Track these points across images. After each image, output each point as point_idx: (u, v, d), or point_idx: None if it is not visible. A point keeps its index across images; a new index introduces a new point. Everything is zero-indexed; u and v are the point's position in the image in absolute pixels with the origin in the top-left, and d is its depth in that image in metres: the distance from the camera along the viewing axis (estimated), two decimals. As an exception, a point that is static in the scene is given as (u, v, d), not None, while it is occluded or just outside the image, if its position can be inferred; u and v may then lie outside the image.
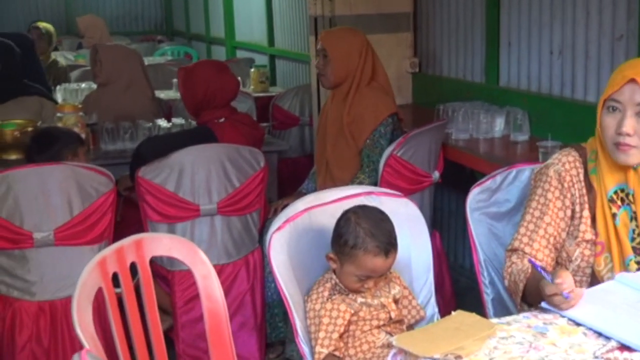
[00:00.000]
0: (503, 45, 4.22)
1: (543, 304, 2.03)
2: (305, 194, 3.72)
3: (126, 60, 4.76)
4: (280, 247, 2.33)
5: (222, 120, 3.69)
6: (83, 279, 1.91)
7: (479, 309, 2.48)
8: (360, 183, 3.48)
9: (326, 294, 2.29)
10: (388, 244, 2.24)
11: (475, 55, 4.49)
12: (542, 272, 1.99)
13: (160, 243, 2.18)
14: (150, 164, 3.41)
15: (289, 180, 5.60)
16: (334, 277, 2.31)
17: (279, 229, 2.35)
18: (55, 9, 12.63)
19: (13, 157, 4.13)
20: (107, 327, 2.00)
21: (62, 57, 9.45)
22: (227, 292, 3.63)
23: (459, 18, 4.63)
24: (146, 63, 8.18)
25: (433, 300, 2.51)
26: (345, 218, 2.28)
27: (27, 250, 3.21)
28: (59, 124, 4.11)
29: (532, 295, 2.17)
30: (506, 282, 2.31)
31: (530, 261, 2.17)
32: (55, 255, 3.24)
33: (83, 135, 4.14)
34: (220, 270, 3.61)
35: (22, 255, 3.22)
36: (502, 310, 2.50)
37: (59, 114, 4.15)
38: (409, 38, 5.01)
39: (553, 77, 3.87)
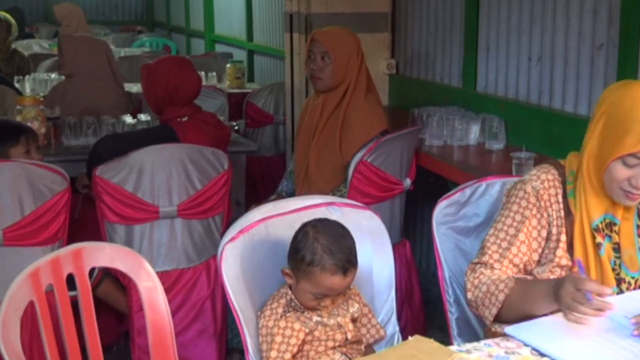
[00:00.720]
0: (481, 50, 4.10)
1: (508, 329, 1.91)
2: (284, 197, 3.59)
3: (90, 52, 4.61)
4: (233, 259, 2.20)
5: (184, 119, 3.54)
6: (11, 292, 1.77)
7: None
8: (342, 197, 3.33)
9: (280, 310, 2.16)
10: (347, 262, 2.11)
11: (453, 59, 4.37)
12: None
13: (102, 253, 2.03)
14: (108, 162, 3.26)
15: (261, 179, 5.48)
16: (289, 292, 2.17)
17: (232, 239, 2.21)
18: (33, -5, 12.46)
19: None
20: (40, 345, 1.85)
21: (37, 46, 9.29)
22: (186, 298, 3.52)
23: (438, 20, 4.50)
24: (122, 54, 8.11)
25: (394, 318, 2.38)
26: (303, 232, 2.15)
27: (-25, 250, 3.06)
28: (19, 117, 3.96)
29: (512, 309, 2.05)
30: (470, 295, 2.16)
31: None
32: (5, 256, 3.09)
33: (43, 130, 3.99)
34: (179, 274, 3.49)
35: (-31, 255, 3.07)
36: (468, 331, 2.38)
37: (18, 107, 3.99)
38: (387, 39, 4.88)
39: (531, 85, 3.75)
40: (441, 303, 2.46)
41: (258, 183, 5.45)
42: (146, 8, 12.76)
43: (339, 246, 2.12)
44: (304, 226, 2.16)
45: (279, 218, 2.30)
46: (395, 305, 2.39)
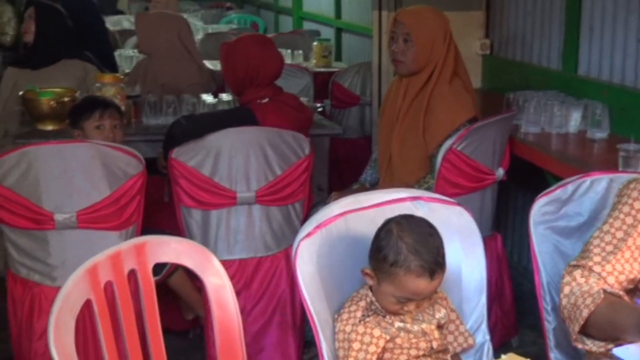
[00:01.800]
0: (584, 31, 3.80)
1: (616, 351, 1.68)
2: (367, 187, 3.41)
3: (162, 29, 4.51)
4: (309, 256, 2.02)
5: (265, 100, 3.37)
6: (67, 290, 1.63)
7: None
8: (428, 189, 3.12)
9: (359, 314, 1.97)
10: (434, 263, 1.91)
11: (552, 40, 4.08)
12: None
13: (167, 247, 1.88)
14: (184, 144, 3.13)
15: (346, 162, 5.30)
16: (369, 294, 1.99)
17: (308, 235, 2.04)
18: (126, -28, 12.46)
19: (49, 127, 3.91)
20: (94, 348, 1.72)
21: (127, 22, 9.31)
22: (266, 288, 3.38)
23: (537, -3, 4.22)
24: (210, 31, 8.02)
25: (484, 325, 2.17)
26: (386, 229, 1.96)
27: (49, 232, 2.97)
28: (98, 94, 3.86)
29: (597, 328, 1.82)
30: (563, 302, 1.94)
31: None
32: (78, 239, 3.00)
33: (122, 108, 3.89)
34: (258, 263, 3.35)
35: (43, 237, 2.99)
36: (566, 343, 2.14)
37: (97, 85, 3.90)
38: (481, 17, 4.61)
39: (639, 69, 3.44)
40: (534, 299, 2.24)
41: (343, 167, 5.27)
42: (236, -16, 12.69)
43: (426, 246, 1.92)
44: (388, 223, 1.97)
45: (360, 213, 2.12)
46: (487, 311, 2.18)
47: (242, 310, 3.33)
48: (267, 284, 3.36)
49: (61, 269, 3.01)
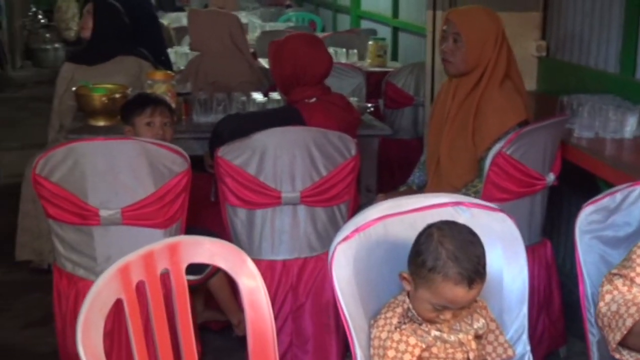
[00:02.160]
0: (644, 33, 3.69)
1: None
2: (414, 190, 3.36)
3: (212, 27, 4.51)
4: (346, 260, 1.99)
5: (312, 100, 3.34)
6: (97, 289, 1.63)
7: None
8: (476, 193, 3.05)
9: (395, 321, 1.93)
10: (474, 272, 1.86)
11: (610, 42, 3.97)
12: None
13: (201, 248, 1.87)
14: (230, 143, 3.13)
15: (398, 163, 5.24)
16: (407, 301, 1.95)
17: (345, 239, 2.00)
18: (186, -31, 12.57)
19: (101, 123, 3.95)
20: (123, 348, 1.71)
21: (186, 18, 9.38)
22: (310, 289, 3.35)
23: (596, -2, 4.11)
24: (267, 29, 8.03)
25: (525, 337, 2.11)
26: (427, 234, 1.92)
27: (94, 228, 2.99)
28: (148, 92, 3.88)
29: None
30: (603, 309, 1.87)
31: None
32: (122, 236, 3.01)
33: (173, 105, 3.90)
34: (302, 264, 3.33)
35: (88, 233, 3.01)
36: (610, 356, 2.08)
37: (149, 82, 3.92)
38: (538, 18, 4.51)
39: (700, 73, 3.33)
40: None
41: (395, 168, 5.22)
42: (295, -18, 12.70)
43: (466, 253, 1.87)
44: (429, 227, 1.93)
45: (400, 217, 2.08)
46: (527, 322, 2.12)
47: (286, 311, 3.34)
48: (311, 285, 3.34)
49: (105, 264, 3.00)
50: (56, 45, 12.40)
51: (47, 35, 12.77)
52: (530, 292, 2.14)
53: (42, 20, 13.19)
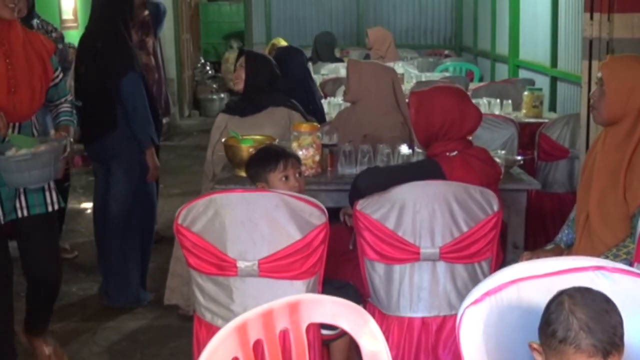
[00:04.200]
0: None
1: None
2: (562, 248, 3.19)
3: (375, 78, 4.45)
4: (475, 325, 1.91)
5: (454, 153, 3.25)
6: (212, 347, 1.62)
7: None
8: (628, 254, 2.86)
9: (526, 393, 1.82)
10: (609, 343, 1.73)
11: None
12: None
13: (323, 307, 1.83)
14: (369, 197, 3.09)
15: (551, 218, 5.04)
16: (539, 372, 1.83)
17: (475, 302, 1.93)
18: (347, 19, 12.81)
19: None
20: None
21: (344, 69, 9.51)
22: (449, 348, 3.24)
23: None
24: (423, 79, 8.00)
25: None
26: (557, 302, 1.80)
27: (232, 279, 3.03)
28: (294, 143, 3.92)
29: None
30: None
31: None
32: (260, 287, 3.03)
33: (317, 157, 3.93)
34: (442, 322, 3.23)
35: (226, 283, 3.05)
36: None
37: (295, 133, 3.95)
38: None
39: None
40: None
41: (548, 223, 5.01)
42: (455, 32, 12.62)
43: (601, 323, 1.74)
44: (560, 294, 1.81)
45: (535, 280, 1.97)
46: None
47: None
48: (451, 344, 3.23)
49: (243, 314, 3.04)
50: (222, 95, 12.87)
51: (214, 85, 13.30)
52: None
53: (210, 72, 13.77)
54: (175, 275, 4.45)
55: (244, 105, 4.64)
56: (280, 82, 4.76)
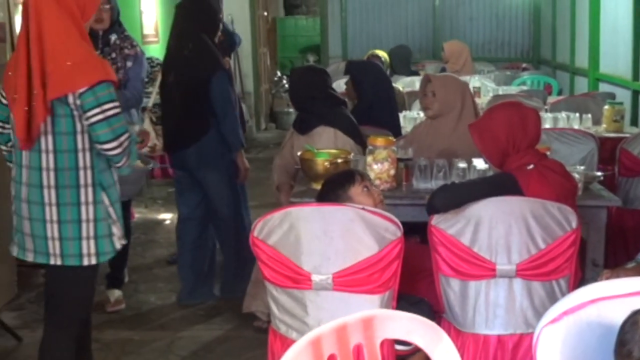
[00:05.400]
0: None
1: None
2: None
3: (458, 93, 4.42)
4: (553, 345, 1.89)
5: (530, 167, 3.20)
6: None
7: None
8: None
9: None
10: (688, 365, 1.68)
11: None
12: None
13: (397, 323, 1.82)
14: (444, 213, 3.07)
15: (633, 235, 4.91)
16: (618, 395, 1.79)
17: (552, 321, 1.90)
18: (423, 33, 12.76)
19: (321, 187, 4.02)
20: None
21: (418, 82, 9.47)
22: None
23: None
24: (500, 92, 7.91)
25: None
26: (631, 321, 1.76)
27: (307, 292, 3.04)
28: (369, 157, 3.92)
29: None
30: None
31: None
32: (334, 300, 3.04)
33: (392, 172, 3.92)
34: (518, 340, 3.18)
35: (301, 296, 3.06)
36: None
37: (370, 147, 3.95)
38: None
39: None
40: None
41: (629, 240, 4.88)
42: (532, 45, 12.45)
43: (678, 343, 1.69)
44: (634, 314, 1.77)
45: (616, 300, 1.94)
46: None
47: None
48: (528, 363, 3.18)
49: (317, 329, 3.05)
50: (298, 108, 12.93)
51: (290, 99, 13.39)
52: None
53: (286, 85, 13.88)
54: (257, 283, 4.47)
55: (298, 122, 4.72)
56: (338, 101, 4.74)
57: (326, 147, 4.34)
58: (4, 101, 3.12)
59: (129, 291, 5.11)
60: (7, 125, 3.17)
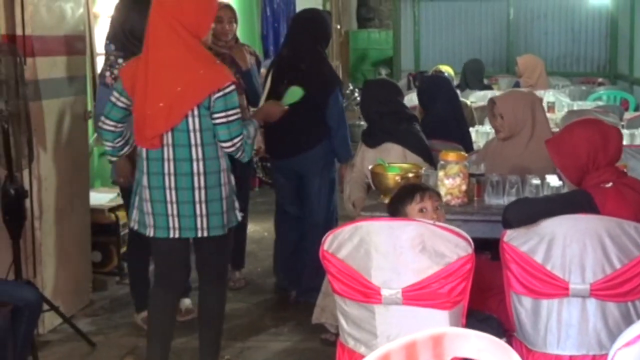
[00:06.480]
0: None
1: None
2: None
3: (527, 108, 4.35)
4: (629, 368, 1.82)
5: (609, 185, 3.14)
6: (356, 376, 1.62)
7: None
8: None
9: None
10: None
11: None
12: None
13: (467, 342, 1.80)
14: (517, 229, 3.03)
15: None
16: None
17: (627, 344, 1.85)
18: (497, 47, 12.65)
19: (391, 201, 4.01)
20: None
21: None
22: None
23: None
24: (575, 107, 7.78)
25: None
26: None
27: (376, 307, 3.04)
28: (441, 172, 3.89)
29: None
30: None
31: None
32: (403, 315, 3.03)
33: (464, 187, 3.88)
34: (590, 362, 3.11)
35: (370, 311, 3.06)
36: None
37: (442, 162, 3.92)
38: None
39: None
40: None
41: None
42: (609, 59, 12.22)
43: None
44: None
45: (694, 323, 1.87)
46: None
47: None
48: (600, 385, 3.11)
49: (385, 343, 3.03)
50: (369, 120, 12.93)
51: (361, 111, 13.39)
52: None
53: (358, 98, 13.89)
54: (327, 295, 4.46)
55: (366, 135, 4.78)
56: (408, 116, 4.75)
57: (391, 160, 4.36)
58: (120, 104, 3.68)
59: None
60: (119, 125, 3.72)
